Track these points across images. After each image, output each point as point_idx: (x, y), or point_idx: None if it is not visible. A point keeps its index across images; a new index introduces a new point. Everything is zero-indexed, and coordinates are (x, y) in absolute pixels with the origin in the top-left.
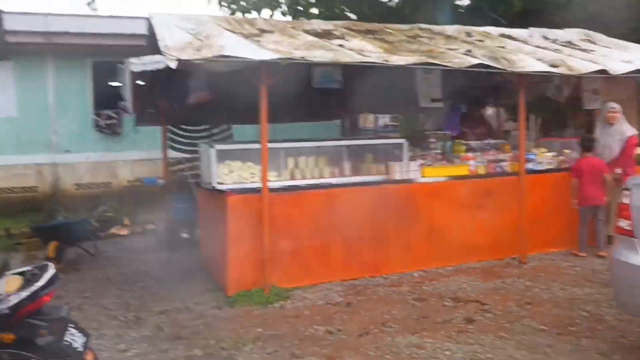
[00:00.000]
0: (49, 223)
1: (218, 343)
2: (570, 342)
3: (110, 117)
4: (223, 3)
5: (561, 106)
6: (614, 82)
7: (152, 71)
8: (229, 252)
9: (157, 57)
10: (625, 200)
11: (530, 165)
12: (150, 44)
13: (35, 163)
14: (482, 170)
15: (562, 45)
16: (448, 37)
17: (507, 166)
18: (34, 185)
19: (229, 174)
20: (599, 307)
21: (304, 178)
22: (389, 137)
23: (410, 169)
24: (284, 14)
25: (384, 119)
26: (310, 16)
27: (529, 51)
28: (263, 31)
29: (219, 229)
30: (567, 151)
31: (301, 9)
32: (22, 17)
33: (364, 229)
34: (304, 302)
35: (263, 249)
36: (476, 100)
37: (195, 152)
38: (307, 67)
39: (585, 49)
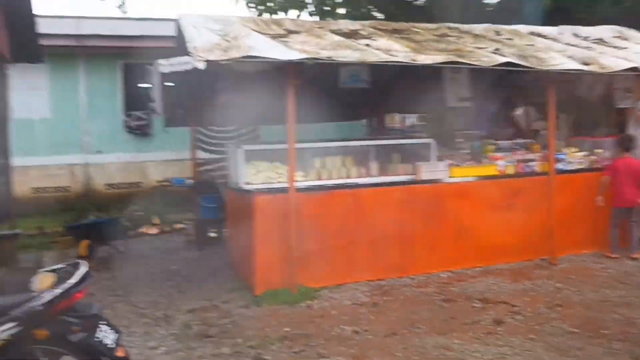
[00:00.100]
0: (80, 222)
1: (245, 342)
2: (602, 345)
3: (140, 119)
4: (250, 4)
5: (592, 105)
6: None
7: (180, 72)
8: (257, 252)
9: (185, 58)
10: None
11: (560, 165)
12: (179, 45)
13: (67, 163)
14: (511, 170)
15: (593, 42)
16: (476, 36)
17: (536, 166)
18: (67, 185)
19: (256, 174)
20: (632, 310)
21: (330, 178)
22: (417, 137)
23: (438, 169)
24: (311, 14)
25: (411, 119)
26: (337, 16)
27: (559, 49)
28: (290, 32)
29: (246, 228)
30: (598, 151)
31: (328, 9)
32: (54, 20)
33: (391, 229)
34: (330, 302)
35: (290, 248)
36: (505, 100)
37: (223, 152)
38: (334, 67)
39: (618, 46)
